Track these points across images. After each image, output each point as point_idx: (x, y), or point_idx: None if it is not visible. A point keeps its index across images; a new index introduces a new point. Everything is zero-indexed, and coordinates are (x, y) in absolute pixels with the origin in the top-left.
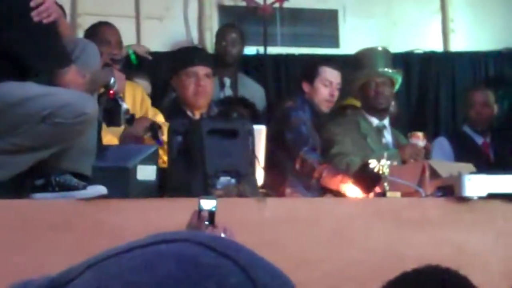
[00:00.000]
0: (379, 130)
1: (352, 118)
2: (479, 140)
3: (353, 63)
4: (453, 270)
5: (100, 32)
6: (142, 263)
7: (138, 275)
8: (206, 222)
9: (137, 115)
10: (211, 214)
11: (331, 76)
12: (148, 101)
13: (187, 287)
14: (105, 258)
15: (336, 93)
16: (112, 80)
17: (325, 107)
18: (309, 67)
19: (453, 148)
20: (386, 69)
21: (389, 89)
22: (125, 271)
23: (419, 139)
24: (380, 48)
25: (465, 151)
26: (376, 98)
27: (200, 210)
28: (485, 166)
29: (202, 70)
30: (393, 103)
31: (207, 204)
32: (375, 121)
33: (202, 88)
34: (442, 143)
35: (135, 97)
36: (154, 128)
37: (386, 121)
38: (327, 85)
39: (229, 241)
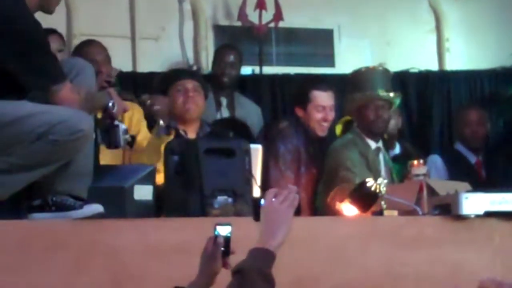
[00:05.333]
0: (377, 152)
1: (352, 140)
2: (473, 158)
3: (351, 82)
4: None
5: (85, 51)
6: None
7: None
8: (222, 249)
9: None
10: (227, 240)
11: (323, 100)
12: (144, 124)
13: None
14: None
15: (331, 116)
16: (111, 102)
17: (320, 131)
18: (300, 93)
19: (446, 166)
20: (386, 93)
21: (387, 113)
22: None
23: (420, 167)
24: (380, 68)
25: (458, 169)
26: (376, 121)
27: (216, 236)
28: (477, 184)
29: (190, 83)
30: (397, 121)
31: (223, 230)
32: (372, 143)
33: (191, 98)
34: (436, 161)
35: (132, 118)
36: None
37: (380, 143)
38: (320, 110)
39: None
